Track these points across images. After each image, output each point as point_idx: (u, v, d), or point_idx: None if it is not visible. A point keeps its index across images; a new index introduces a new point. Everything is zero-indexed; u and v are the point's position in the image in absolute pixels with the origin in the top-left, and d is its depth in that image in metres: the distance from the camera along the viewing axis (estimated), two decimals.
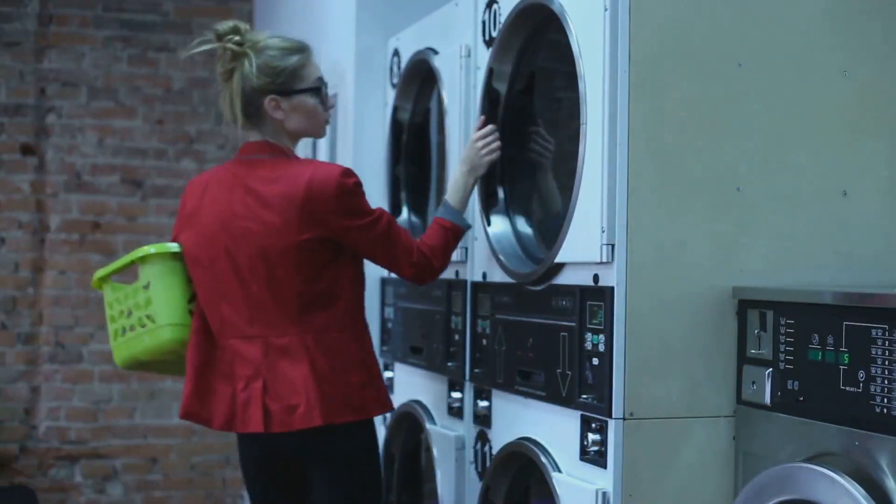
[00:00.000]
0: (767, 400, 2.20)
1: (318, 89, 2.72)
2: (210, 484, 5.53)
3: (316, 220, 2.59)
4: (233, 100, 2.68)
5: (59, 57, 5.37)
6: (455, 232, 2.78)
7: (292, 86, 2.68)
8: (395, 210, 3.59)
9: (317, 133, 2.79)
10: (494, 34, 2.84)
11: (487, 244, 2.85)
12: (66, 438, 5.35)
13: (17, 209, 5.34)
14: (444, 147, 3.18)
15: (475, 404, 2.91)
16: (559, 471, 2.48)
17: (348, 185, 2.61)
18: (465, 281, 3.00)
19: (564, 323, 2.47)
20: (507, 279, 2.74)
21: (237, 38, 2.66)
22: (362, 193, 2.67)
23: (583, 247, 2.35)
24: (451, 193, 2.83)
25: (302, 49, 2.71)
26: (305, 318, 2.62)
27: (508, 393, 2.74)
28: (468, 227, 2.84)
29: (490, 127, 2.83)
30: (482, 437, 2.89)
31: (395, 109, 3.57)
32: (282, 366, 2.60)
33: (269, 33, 2.72)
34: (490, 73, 2.84)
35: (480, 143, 2.82)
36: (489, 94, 2.85)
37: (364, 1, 3.87)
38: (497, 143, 2.82)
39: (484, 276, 2.89)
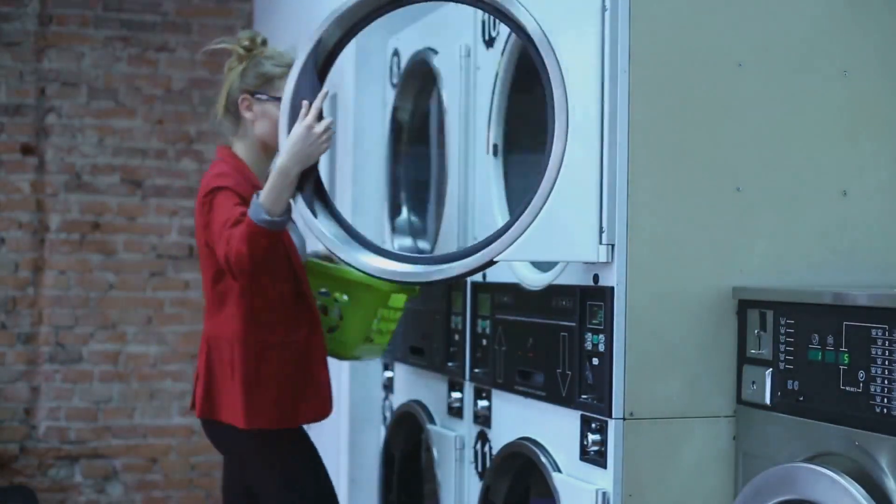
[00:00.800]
0: (767, 400, 2.21)
1: None
2: (210, 484, 5.52)
3: (200, 218, 2.78)
4: (221, 94, 2.88)
5: (59, 57, 5.37)
6: (251, 229, 2.57)
7: (266, 91, 2.83)
8: (396, 210, 3.58)
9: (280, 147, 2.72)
10: (494, 34, 2.84)
11: None
12: (66, 438, 5.35)
13: (17, 209, 5.34)
14: (444, 147, 3.17)
15: (475, 404, 2.91)
16: (559, 471, 2.48)
17: (210, 185, 2.74)
18: (466, 281, 3.00)
19: (564, 323, 2.47)
20: (511, 279, 2.74)
21: (248, 43, 2.85)
22: (222, 193, 2.71)
23: (582, 247, 2.35)
24: (267, 188, 2.61)
25: (291, 64, 2.73)
26: (210, 317, 2.85)
27: (508, 393, 2.74)
28: (269, 221, 2.58)
29: (314, 109, 2.62)
30: (482, 437, 2.89)
31: (395, 109, 3.57)
32: (203, 357, 2.86)
33: (277, 49, 2.92)
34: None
35: (320, 129, 2.60)
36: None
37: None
38: (332, 130, 2.66)
39: (484, 276, 2.89)
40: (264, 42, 2.89)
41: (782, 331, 2.17)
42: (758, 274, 2.34)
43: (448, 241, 3.05)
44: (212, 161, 2.92)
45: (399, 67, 3.56)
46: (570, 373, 2.44)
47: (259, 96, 2.82)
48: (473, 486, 2.94)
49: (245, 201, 2.69)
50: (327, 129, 2.62)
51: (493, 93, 2.84)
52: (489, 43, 2.87)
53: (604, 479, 2.30)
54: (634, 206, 2.28)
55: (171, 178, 5.48)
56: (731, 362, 2.32)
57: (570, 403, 2.43)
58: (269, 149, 2.87)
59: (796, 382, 2.13)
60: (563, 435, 2.46)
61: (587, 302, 2.38)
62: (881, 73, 2.46)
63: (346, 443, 3.93)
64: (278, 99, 2.75)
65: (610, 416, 2.28)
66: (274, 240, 2.62)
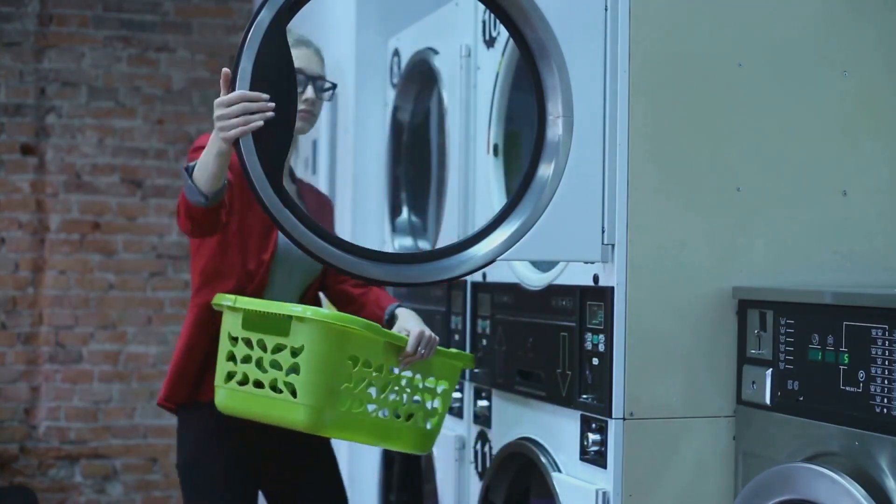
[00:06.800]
0: (767, 400, 2.21)
1: None
2: None
3: None
4: None
5: (59, 57, 5.37)
6: (184, 204, 2.40)
7: None
8: (396, 210, 3.59)
9: None
10: (495, 34, 2.84)
11: None
12: (66, 438, 5.35)
13: (17, 209, 5.34)
14: (444, 147, 3.17)
15: (475, 404, 2.91)
16: (559, 471, 2.48)
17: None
18: (466, 281, 3.00)
19: (564, 323, 2.47)
20: (511, 279, 2.74)
21: None
22: (193, 151, 2.54)
23: (583, 247, 2.35)
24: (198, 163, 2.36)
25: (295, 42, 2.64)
26: None
27: (508, 393, 2.74)
28: (191, 195, 2.34)
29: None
30: (482, 437, 2.89)
31: (395, 109, 3.57)
32: None
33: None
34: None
35: (225, 110, 2.17)
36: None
37: (364, 1, 3.86)
38: (249, 110, 2.16)
39: (484, 276, 2.89)
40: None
41: (782, 331, 2.17)
42: (758, 274, 2.35)
43: (448, 242, 3.04)
44: None
45: (399, 67, 3.56)
46: (570, 373, 2.44)
47: None
48: (473, 486, 2.94)
49: None
50: (243, 109, 2.16)
51: (494, 93, 2.84)
52: (490, 43, 2.87)
53: (604, 479, 2.30)
54: (634, 206, 2.28)
55: (171, 178, 5.47)
56: (731, 362, 2.32)
57: (570, 403, 2.43)
58: None
59: (796, 382, 2.13)
60: (563, 435, 2.46)
61: (587, 302, 2.38)
62: (881, 73, 2.46)
63: (346, 442, 3.91)
64: None
65: (610, 416, 2.28)
66: (202, 213, 2.39)
